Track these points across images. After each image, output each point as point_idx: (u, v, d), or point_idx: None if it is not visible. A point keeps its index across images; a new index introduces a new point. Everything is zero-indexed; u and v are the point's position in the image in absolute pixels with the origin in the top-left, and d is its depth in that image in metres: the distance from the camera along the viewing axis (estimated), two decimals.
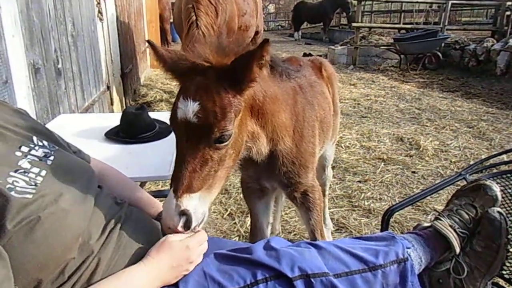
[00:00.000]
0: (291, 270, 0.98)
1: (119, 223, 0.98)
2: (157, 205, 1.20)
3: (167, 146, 1.89)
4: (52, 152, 0.98)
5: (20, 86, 2.09)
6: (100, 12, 3.91)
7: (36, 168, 0.89)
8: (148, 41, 1.15)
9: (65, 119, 2.37)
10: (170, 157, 1.75)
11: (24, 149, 0.93)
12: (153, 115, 2.19)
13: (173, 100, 5.93)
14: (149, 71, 7.68)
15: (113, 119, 2.13)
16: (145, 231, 1.03)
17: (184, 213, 0.96)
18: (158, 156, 1.79)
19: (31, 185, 0.84)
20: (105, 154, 1.72)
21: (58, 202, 0.84)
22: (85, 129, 2.11)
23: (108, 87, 4.20)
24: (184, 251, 0.96)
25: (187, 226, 0.97)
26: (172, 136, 2.01)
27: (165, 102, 5.55)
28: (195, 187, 0.98)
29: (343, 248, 1.08)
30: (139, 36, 6.68)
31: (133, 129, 1.95)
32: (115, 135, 1.97)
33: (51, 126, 1.89)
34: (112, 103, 4.32)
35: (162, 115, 2.36)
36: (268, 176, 1.51)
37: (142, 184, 2.02)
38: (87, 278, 0.87)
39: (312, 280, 0.97)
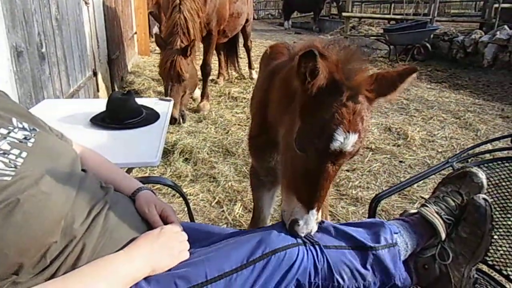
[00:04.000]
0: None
1: (104, 208, 0.95)
2: (134, 183, 1.16)
3: (154, 132, 1.86)
4: (33, 135, 0.95)
5: (2, 69, 2.03)
6: None
7: (17, 150, 0.86)
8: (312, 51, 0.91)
9: (49, 104, 2.31)
10: (157, 143, 1.72)
11: (3, 131, 0.89)
12: (140, 101, 2.15)
13: (161, 88, 5.72)
14: (136, 58, 7.55)
15: (100, 105, 2.08)
16: (132, 216, 1.02)
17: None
18: (145, 142, 1.76)
19: (11, 167, 0.81)
20: (90, 140, 1.68)
21: (38, 184, 0.82)
22: (70, 114, 2.06)
23: (95, 73, 4.11)
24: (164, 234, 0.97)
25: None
26: (159, 122, 1.99)
27: (153, 89, 5.47)
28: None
29: (336, 227, 1.11)
30: (127, 22, 6.55)
31: (119, 115, 1.91)
32: (101, 121, 1.93)
33: (35, 111, 1.84)
34: (98, 90, 4.24)
35: (150, 102, 2.32)
36: None
37: (129, 171, 1.99)
38: (71, 263, 0.84)
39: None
